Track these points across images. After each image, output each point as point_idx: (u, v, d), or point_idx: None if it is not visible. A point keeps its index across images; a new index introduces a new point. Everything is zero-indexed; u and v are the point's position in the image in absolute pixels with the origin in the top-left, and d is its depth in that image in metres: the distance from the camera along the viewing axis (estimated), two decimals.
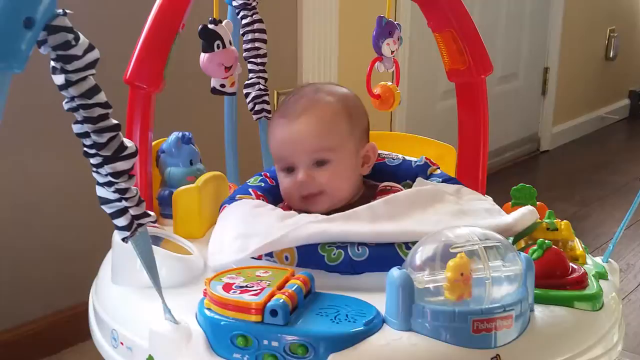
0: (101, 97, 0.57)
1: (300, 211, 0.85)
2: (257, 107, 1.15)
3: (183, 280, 0.75)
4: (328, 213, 0.79)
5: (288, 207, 0.90)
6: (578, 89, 3.16)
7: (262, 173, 0.95)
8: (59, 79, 0.56)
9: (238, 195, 0.89)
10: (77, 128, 0.58)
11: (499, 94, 2.70)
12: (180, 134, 0.99)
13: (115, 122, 0.58)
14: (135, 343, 0.68)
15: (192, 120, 1.51)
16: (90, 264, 0.91)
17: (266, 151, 1.23)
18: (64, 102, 0.57)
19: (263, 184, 0.93)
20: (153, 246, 0.75)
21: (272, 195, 0.92)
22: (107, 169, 0.58)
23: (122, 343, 0.70)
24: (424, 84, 2.27)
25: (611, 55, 3.32)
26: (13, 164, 1.32)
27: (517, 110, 2.84)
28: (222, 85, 0.97)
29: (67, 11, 0.54)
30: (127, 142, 0.59)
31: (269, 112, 1.16)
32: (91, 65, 0.55)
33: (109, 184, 0.59)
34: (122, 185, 0.59)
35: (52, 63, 0.55)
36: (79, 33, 0.55)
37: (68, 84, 0.55)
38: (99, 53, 0.56)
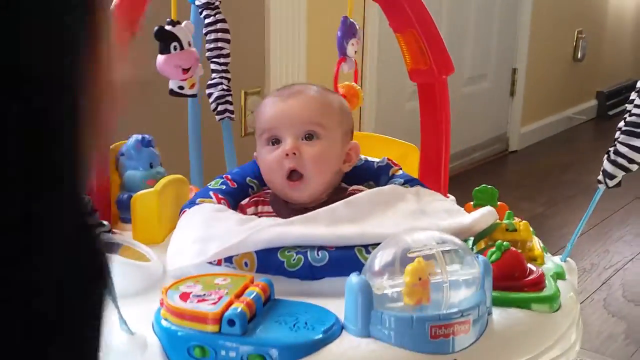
0: None
1: (278, 199, 0.86)
2: (220, 108, 1.14)
3: (141, 288, 0.74)
4: (297, 209, 0.78)
5: (247, 211, 0.89)
6: (546, 89, 3.19)
7: (224, 176, 0.94)
8: None
9: (199, 199, 0.87)
10: None
11: (468, 95, 2.72)
12: (140, 136, 0.97)
13: None
14: None
15: (154, 123, 1.48)
16: None
17: (230, 152, 1.22)
18: None
19: (224, 187, 0.91)
20: (111, 254, 0.74)
21: (234, 198, 0.91)
22: None
23: None
24: (392, 84, 2.28)
25: (579, 57, 3.36)
26: None
27: (486, 111, 2.87)
28: (181, 87, 0.95)
29: None
30: None
31: (232, 112, 1.15)
32: None
33: None
34: None
35: None
36: None
37: None
38: None
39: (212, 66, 1.11)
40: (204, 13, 1.07)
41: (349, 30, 1.03)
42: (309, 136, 0.86)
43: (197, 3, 1.06)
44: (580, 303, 1.64)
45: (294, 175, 0.86)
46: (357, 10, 1.08)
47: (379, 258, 0.64)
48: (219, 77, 1.12)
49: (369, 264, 0.64)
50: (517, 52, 2.96)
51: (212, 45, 1.09)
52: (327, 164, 0.87)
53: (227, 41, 1.09)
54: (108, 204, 0.92)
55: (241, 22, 1.68)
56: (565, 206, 2.33)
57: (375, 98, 2.18)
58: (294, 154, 0.84)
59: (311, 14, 1.84)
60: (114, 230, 0.92)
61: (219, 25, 1.07)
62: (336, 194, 0.89)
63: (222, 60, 1.10)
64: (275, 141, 0.87)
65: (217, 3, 1.06)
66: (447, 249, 0.64)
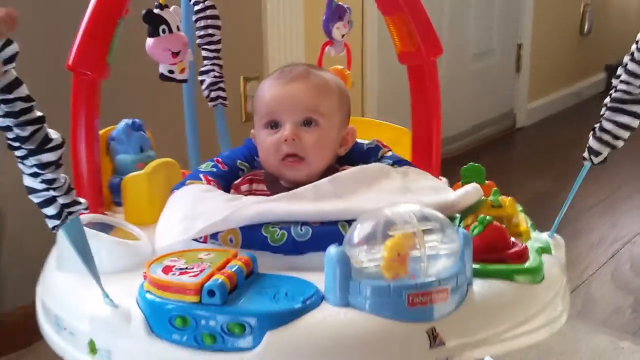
0: (22, 90, 0.55)
1: (273, 178, 0.87)
2: (212, 94, 1.15)
3: (130, 265, 0.75)
4: (291, 188, 0.79)
5: (241, 188, 0.90)
6: (553, 64, 3.15)
7: (215, 159, 0.95)
8: None
9: (188, 181, 0.88)
10: None
11: (473, 72, 2.70)
12: (130, 121, 0.99)
13: (39, 114, 0.57)
14: (77, 328, 0.68)
15: (146, 107, 1.49)
16: None
17: (223, 137, 1.23)
18: None
19: (215, 170, 0.92)
20: (98, 232, 0.76)
21: (224, 180, 0.92)
22: (32, 160, 0.57)
23: (65, 329, 0.69)
24: (394, 69, 2.27)
25: (586, 30, 3.31)
26: None
27: (492, 88, 2.85)
28: (171, 72, 0.96)
29: None
30: (53, 134, 0.58)
31: (224, 98, 1.16)
32: (10, 59, 0.54)
33: (34, 175, 0.58)
34: (49, 176, 0.58)
35: None
36: None
37: None
38: (17, 47, 0.54)
39: (204, 53, 1.12)
40: (193, 0, 1.08)
41: (334, 14, 1.04)
42: (308, 122, 0.87)
43: None
44: (589, 277, 1.65)
45: (293, 157, 0.87)
46: None
47: (358, 230, 0.64)
48: (211, 64, 1.13)
49: (348, 236, 0.65)
50: (521, 27, 2.93)
51: (202, 32, 1.10)
52: (326, 149, 0.88)
53: (218, 28, 1.10)
54: (100, 188, 0.93)
55: (238, 8, 1.69)
56: (573, 183, 2.31)
57: (377, 83, 2.17)
58: (293, 140, 0.85)
59: None
60: (106, 213, 0.93)
61: (208, 12, 1.09)
62: (328, 174, 0.90)
63: (212, 47, 1.11)
64: (274, 125, 0.88)
65: None
66: (427, 222, 0.64)
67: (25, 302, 1.36)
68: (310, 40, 1.86)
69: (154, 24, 0.92)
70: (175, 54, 0.95)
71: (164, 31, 0.92)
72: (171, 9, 0.95)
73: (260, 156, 0.91)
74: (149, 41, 0.93)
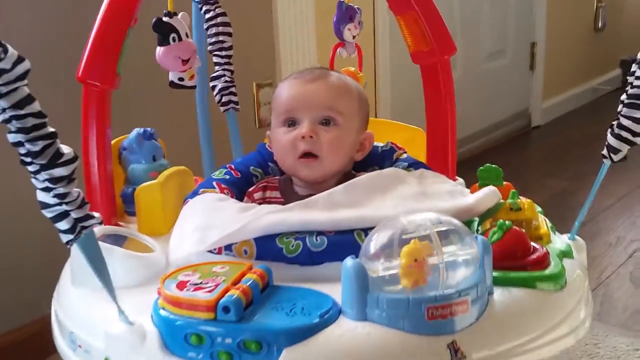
0: (34, 106, 0.56)
1: (287, 185, 0.87)
2: (224, 99, 1.15)
3: (143, 278, 0.74)
4: (305, 195, 0.78)
5: (255, 196, 0.90)
6: (568, 61, 3.12)
7: (228, 165, 0.94)
8: None
9: (201, 189, 0.88)
10: (11, 138, 0.57)
11: (487, 72, 2.68)
12: (142, 129, 0.98)
13: (51, 130, 0.57)
14: (92, 345, 0.67)
15: (157, 115, 1.48)
16: (49, 278, 0.89)
17: (236, 142, 1.22)
18: None
19: (228, 177, 0.92)
20: (111, 246, 0.75)
21: (237, 187, 0.91)
22: (44, 175, 0.57)
23: (80, 346, 0.69)
24: (407, 69, 2.25)
25: (599, 26, 3.28)
26: None
27: (507, 87, 2.82)
28: (181, 79, 0.95)
29: None
30: (65, 149, 0.58)
31: (236, 103, 1.16)
32: (22, 77, 0.54)
33: (47, 190, 0.58)
34: (61, 191, 0.58)
35: None
36: (7, 45, 0.54)
37: None
38: (29, 64, 0.55)
39: (215, 59, 1.12)
40: (204, 8, 1.07)
41: (345, 15, 1.02)
42: (326, 121, 0.86)
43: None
44: (607, 277, 1.62)
45: (308, 155, 0.85)
46: None
47: (375, 241, 0.63)
48: (222, 70, 1.13)
49: (364, 247, 0.64)
50: (535, 26, 2.90)
51: (213, 39, 1.10)
52: (342, 149, 0.87)
53: (229, 34, 1.10)
54: (113, 198, 0.92)
55: (250, 14, 1.68)
56: (592, 181, 2.28)
57: (389, 84, 2.15)
58: (311, 137, 0.84)
59: (319, 2, 1.83)
60: (119, 223, 0.92)
61: (219, 19, 1.08)
62: (344, 180, 0.89)
63: (224, 53, 1.11)
64: (292, 123, 0.87)
65: None
66: (444, 229, 0.63)
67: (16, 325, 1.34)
68: (323, 45, 1.85)
69: (164, 32, 0.91)
70: (185, 62, 0.94)
71: (174, 39, 0.91)
72: (179, 15, 0.94)
73: (276, 155, 0.90)
74: (159, 50, 0.92)
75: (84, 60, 0.84)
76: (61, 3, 1.33)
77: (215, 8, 1.09)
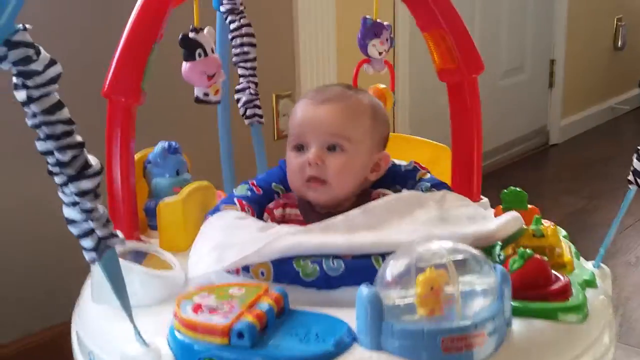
0: (64, 113, 0.56)
1: (307, 202, 0.87)
2: (248, 112, 1.15)
3: (161, 297, 0.75)
4: (324, 213, 0.79)
5: (275, 213, 0.89)
6: (587, 80, 3.10)
7: (249, 181, 0.94)
8: (21, 95, 0.55)
9: (223, 206, 0.88)
10: (40, 145, 0.57)
11: (505, 88, 2.66)
12: (167, 143, 0.98)
13: (79, 139, 0.57)
14: None
15: (182, 130, 1.49)
16: (69, 284, 0.89)
17: (260, 156, 1.22)
18: (26, 119, 0.57)
19: (250, 194, 0.92)
20: (131, 264, 0.75)
21: (259, 204, 0.91)
22: (71, 187, 0.57)
23: None
24: (425, 84, 2.24)
25: (619, 45, 3.26)
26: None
27: (524, 104, 2.81)
28: (206, 94, 0.96)
29: (27, 26, 0.53)
30: (92, 160, 0.58)
31: (261, 116, 1.16)
32: (53, 80, 0.54)
33: (73, 204, 0.58)
34: (88, 205, 0.58)
35: (14, 79, 0.55)
36: (40, 48, 0.54)
37: (30, 100, 0.54)
38: (61, 68, 0.55)
39: (239, 71, 1.12)
40: (229, 19, 1.07)
41: (369, 31, 1.01)
42: (333, 147, 0.86)
43: (222, 9, 1.07)
44: (626, 298, 1.58)
45: (315, 180, 0.85)
46: (387, 9, 1.07)
47: (390, 269, 0.63)
48: (246, 82, 1.12)
49: (380, 275, 0.63)
50: (554, 43, 2.89)
51: (238, 50, 1.10)
52: (350, 174, 0.87)
53: (253, 45, 1.09)
54: (135, 212, 0.93)
55: (270, 25, 1.68)
56: (609, 200, 2.25)
57: (409, 98, 2.15)
58: (317, 163, 0.85)
59: (340, 15, 1.83)
60: (141, 237, 0.93)
61: (243, 30, 1.08)
62: (362, 198, 0.88)
63: (248, 64, 1.11)
64: (301, 147, 0.87)
65: (241, 8, 1.06)
66: (460, 257, 0.62)
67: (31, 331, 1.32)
68: (343, 58, 1.84)
69: (190, 48, 0.91)
70: (211, 77, 0.94)
71: (199, 55, 0.92)
72: (205, 30, 0.95)
73: (288, 177, 0.90)
74: (185, 65, 0.92)
75: (109, 76, 0.85)
76: (86, 20, 1.35)
77: (240, 18, 1.09)
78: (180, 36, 0.92)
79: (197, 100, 0.96)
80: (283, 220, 0.89)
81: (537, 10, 2.78)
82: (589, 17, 3.02)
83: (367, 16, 1.04)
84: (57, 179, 0.58)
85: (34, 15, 1.21)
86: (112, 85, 0.85)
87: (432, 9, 0.99)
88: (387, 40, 1.06)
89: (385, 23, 1.07)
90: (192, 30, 0.93)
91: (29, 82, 0.54)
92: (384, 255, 0.70)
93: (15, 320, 1.31)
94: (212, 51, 0.95)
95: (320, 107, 0.86)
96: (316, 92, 0.90)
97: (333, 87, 0.93)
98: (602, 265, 0.83)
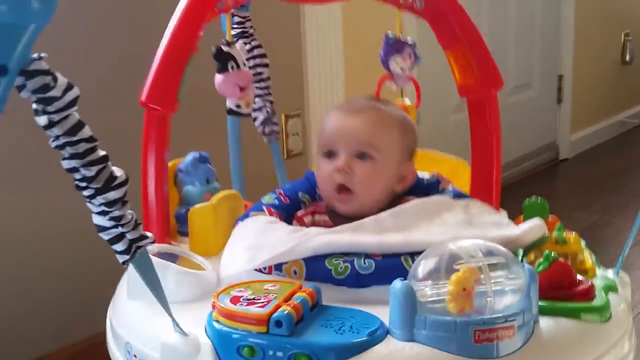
0: (86, 132, 0.58)
1: (326, 209, 0.89)
2: (266, 130, 1.18)
3: (196, 295, 0.77)
4: (352, 219, 0.81)
5: (305, 220, 0.92)
6: (595, 95, 3.12)
7: (277, 191, 0.97)
8: (42, 120, 0.56)
9: (252, 213, 0.91)
10: (65, 164, 0.59)
11: (513, 104, 2.68)
12: (197, 153, 1.02)
13: (102, 153, 0.59)
14: (148, 355, 0.70)
15: (209, 140, 1.52)
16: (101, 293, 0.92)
17: (280, 171, 1.25)
18: (50, 141, 0.58)
19: (277, 202, 0.94)
20: (166, 262, 0.78)
21: (286, 212, 0.94)
22: (99, 199, 0.59)
23: (135, 356, 0.72)
24: (434, 98, 2.27)
25: (627, 59, 3.28)
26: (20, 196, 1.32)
27: (533, 120, 2.82)
28: (238, 106, 0.99)
29: (42, 55, 0.54)
30: (117, 172, 0.60)
31: (277, 133, 1.19)
32: (72, 103, 0.56)
33: (103, 213, 0.60)
34: (117, 213, 0.61)
35: (34, 105, 0.56)
36: (57, 74, 0.55)
37: (51, 124, 0.56)
38: (78, 91, 0.56)
39: (256, 91, 1.15)
40: (240, 42, 1.11)
41: (391, 48, 1.05)
42: (362, 155, 0.88)
43: (232, 33, 1.11)
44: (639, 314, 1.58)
45: (343, 189, 0.88)
46: (393, 24, 1.10)
47: (423, 265, 0.65)
48: (262, 101, 1.16)
49: (413, 271, 0.65)
50: (562, 59, 2.91)
51: (252, 72, 1.13)
52: (377, 184, 0.89)
53: (266, 65, 1.13)
54: (167, 218, 0.96)
55: (278, 46, 1.70)
56: (620, 214, 2.25)
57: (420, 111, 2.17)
58: (345, 170, 0.87)
59: (347, 33, 1.86)
60: (172, 243, 0.96)
61: (256, 52, 1.12)
62: (392, 203, 0.91)
63: (263, 84, 1.14)
64: (331, 154, 0.90)
65: (251, 31, 1.10)
66: (493, 257, 0.64)
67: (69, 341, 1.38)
68: (351, 77, 1.87)
69: (223, 60, 0.95)
70: (243, 89, 0.98)
71: (232, 67, 0.96)
72: (237, 45, 0.99)
73: (319, 186, 0.93)
74: (219, 77, 0.96)
75: (147, 86, 0.88)
76: (124, 36, 1.40)
77: (251, 41, 1.13)
78: (214, 49, 0.96)
79: (229, 112, 1.00)
80: (313, 225, 0.91)
81: (544, 26, 2.81)
82: (597, 33, 3.05)
83: (389, 32, 1.07)
84: (85, 193, 0.60)
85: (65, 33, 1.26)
86: (150, 95, 0.89)
87: (453, 26, 1.03)
88: (409, 56, 1.09)
89: (409, 39, 1.11)
90: (224, 44, 0.97)
91: (49, 108, 0.55)
92: (413, 256, 0.73)
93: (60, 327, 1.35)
94: (244, 64, 0.99)
95: (351, 117, 0.90)
96: (347, 103, 0.94)
97: (361, 99, 0.96)
98: (621, 272, 0.85)
